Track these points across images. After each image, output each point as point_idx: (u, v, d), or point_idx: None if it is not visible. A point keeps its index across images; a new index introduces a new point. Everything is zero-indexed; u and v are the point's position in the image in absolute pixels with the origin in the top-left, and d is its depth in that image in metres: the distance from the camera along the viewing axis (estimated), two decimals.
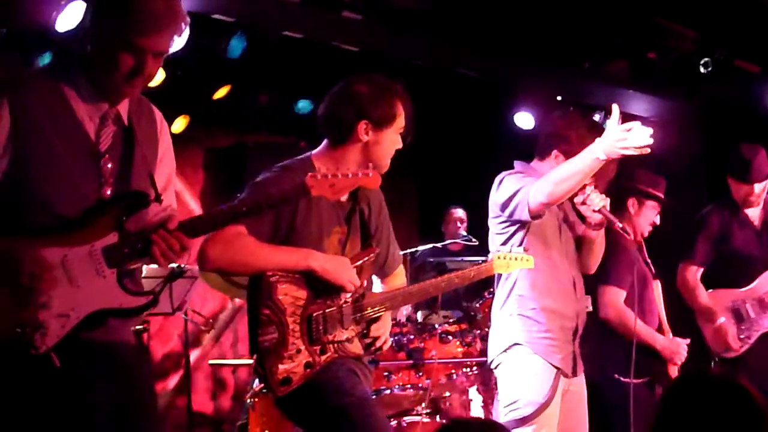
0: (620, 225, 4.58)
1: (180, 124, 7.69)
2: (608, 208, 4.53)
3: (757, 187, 5.91)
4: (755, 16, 6.93)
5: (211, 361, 8.12)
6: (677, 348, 5.48)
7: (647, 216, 5.64)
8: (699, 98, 8.09)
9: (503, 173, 4.63)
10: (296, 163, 3.82)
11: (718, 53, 7.34)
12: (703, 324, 5.96)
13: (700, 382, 2.56)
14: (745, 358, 5.83)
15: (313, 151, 3.89)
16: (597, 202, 4.49)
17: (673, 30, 7.39)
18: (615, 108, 4.19)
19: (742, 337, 5.86)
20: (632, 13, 7.09)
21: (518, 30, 7.17)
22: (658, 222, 5.68)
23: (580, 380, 4.66)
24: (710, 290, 6.05)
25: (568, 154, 4.53)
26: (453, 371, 6.36)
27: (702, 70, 7.39)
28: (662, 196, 5.66)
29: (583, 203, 4.53)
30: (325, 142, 3.89)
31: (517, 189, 4.42)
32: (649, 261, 5.67)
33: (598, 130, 4.67)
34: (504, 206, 4.49)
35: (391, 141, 3.82)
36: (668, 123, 8.63)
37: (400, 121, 3.83)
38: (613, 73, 7.88)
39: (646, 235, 5.68)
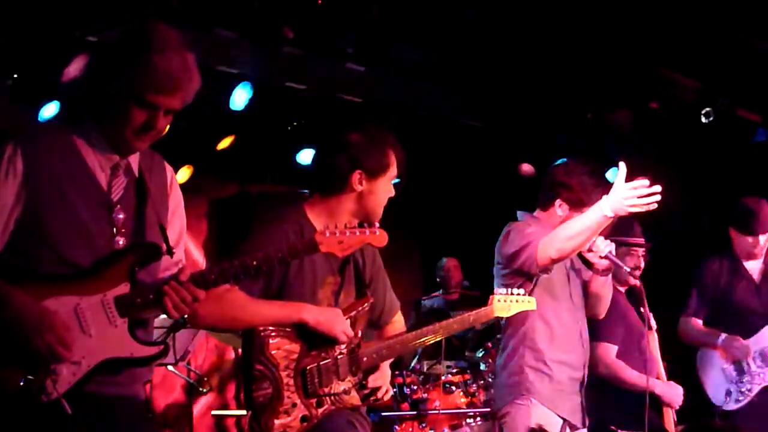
0: (628, 269, 4.58)
1: (184, 174, 7.72)
2: (614, 253, 4.54)
3: (762, 239, 5.91)
4: (757, 67, 6.97)
5: (214, 412, 8.06)
6: (676, 391, 5.45)
7: (626, 263, 5.56)
8: (701, 148, 8.11)
9: (510, 225, 4.63)
10: (290, 213, 3.81)
11: (719, 103, 7.37)
12: (704, 377, 5.91)
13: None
14: (746, 411, 5.78)
15: (306, 201, 3.87)
16: (603, 248, 4.51)
17: (676, 80, 7.43)
18: (622, 165, 4.18)
19: (743, 390, 5.82)
20: (635, 64, 7.13)
21: (521, 81, 7.22)
22: (642, 265, 5.57)
23: None
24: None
25: (572, 202, 4.55)
26: (457, 422, 6.34)
27: (704, 119, 7.41)
28: (637, 241, 5.60)
29: (590, 250, 4.54)
30: (317, 191, 3.88)
31: (526, 242, 4.41)
32: (645, 311, 5.62)
33: (599, 176, 4.70)
34: (511, 259, 4.47)
35: (384, 190, 3.81)
36: (670, 173, 8.67)
37: (393, 170, 3.82)
38: (616, 123, 7.91)
39: (633, 282, 5.60)
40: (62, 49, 5.90)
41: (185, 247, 3.29)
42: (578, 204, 4.50)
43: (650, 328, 5.55)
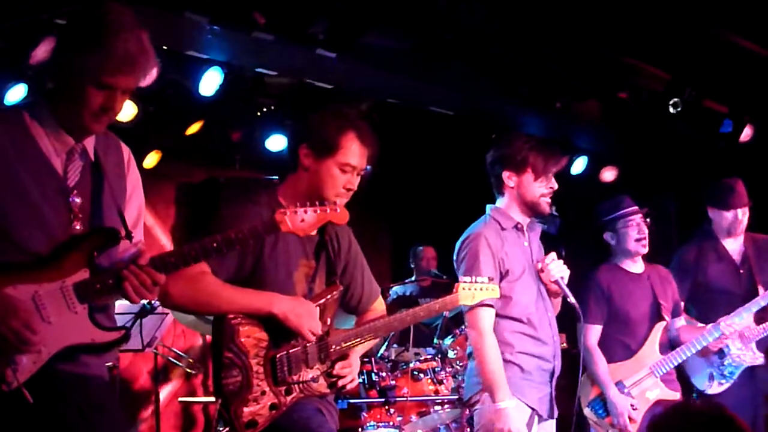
0: (572, 300, 4.57)
1: (152, 159, 7.67)
2: (566, 280, 4.55)
3: (740, 213, 5.95)
4: (724, 58, 7.02)
5: (180, 398, 8.04)
6: (623, 404, 5.48)
7: (630, 235, 5.67)
8: (668, 137, 8.17)
9: (473, 237, 4.59)
10: (262, 195, 3.81)
11: (687, 93, 7.42)
12: (686, 362, 5.90)
13: (686, 413, 2.57)
14: (726, 394, 5.82)
15: (279, 186, 3.88)
16: (553, 273, 4.54)
17: (644, 70, 7.47)
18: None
19: (725, 373, 5.85)
20: (603, 54, 7.16)
21: (492, 69, 7.23)
22: (644, 233, 5.67)
23: (552, 424, 4.65)
24: (690, 326, 6.00)
25: (516, 169, 4.57)
26: (424, 409, 6.35)
27: (671, 110, 7.46)
28: (627, 210, 5.68)
29: (542, 270, 4.57)
30: (284, 173, 3.89)
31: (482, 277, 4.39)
32: (658, 299, 5.64)
33: (528, 137, 4.68)
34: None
35: (330, 174, 3.74)
36: (637, 161, 8.73)
37: (344, 155, 3.74)
38: (585, 112, 7.94)
39: (641, 251, 5.67)
40: (29, 31, 5.83)
41: (152, 233, 3.27)
42: (521, 166, 4.55)
43: (661, 318, 5.59)
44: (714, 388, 5.87)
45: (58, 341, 2.86)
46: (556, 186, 4.60)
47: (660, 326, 5.61)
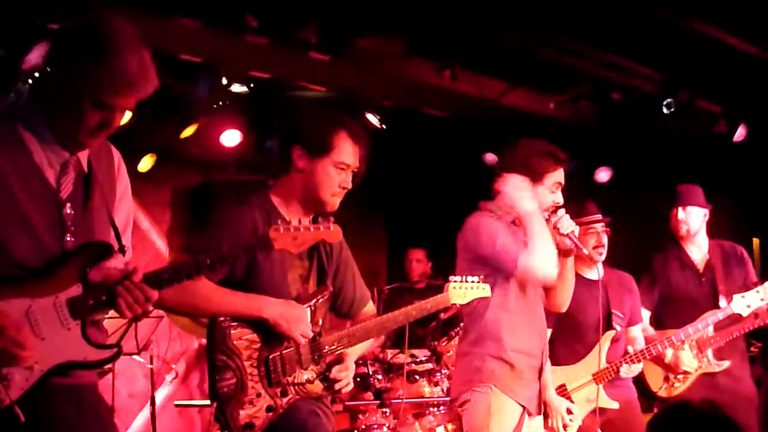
0: (587, 252, 4.55)
1: (147, 162, 7.65)
2: (576, 234, 4.55)
3: (681, 213, 5.96)
4: (717, 58, 7.04)
5: (176, 402, 8.03)
6: (557, 406, 5.37)
7: (587, 242, 5.56)
8: (662, 138, 8.19)
9: (477, 217, 4.59)
10: (255, 198, 3.81)
11: (680, 94, 7.45)
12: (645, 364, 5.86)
13: (684, 413, 2.57)
14: (684, 397, 5.80)
15: (270, 187, 3.88)
16: (566, 225, 4.50)
17: (638, 71, 7.49)
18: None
19: (679, 376, 5.83)
20: (597, 54, 7.18)
21: (486, 70, 7.25)
22: (604, 243, 5.53)
23: (540, 420, 4.66)
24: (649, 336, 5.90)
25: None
26: (420, 411, 6.36)
27: (665, 110, 7.48)
28: (592, 218, 5.56)
29: (555, 226, 4.53)
30: (275, 175, 3.89)
31: (504, 248, 4.39)
32: (611, 308, 5.59)
33: (548, 155, 4.68)
34: (488, 258, 4.44)
35: (326, 174, 3.76)
36: (631, 162, 8.75)
37: (338, 155, 3.76)
38: (578, 113, 7.96)
39: (597, 260, 5.57)
40: (23, 37, 5.83)
41: (147, 237, 3.26)
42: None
43: (611, 327, 5.53)
44: (667, 391, 5.85)
45: (51, 358, 2.83)
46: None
47: (609, 335, 5.51)
